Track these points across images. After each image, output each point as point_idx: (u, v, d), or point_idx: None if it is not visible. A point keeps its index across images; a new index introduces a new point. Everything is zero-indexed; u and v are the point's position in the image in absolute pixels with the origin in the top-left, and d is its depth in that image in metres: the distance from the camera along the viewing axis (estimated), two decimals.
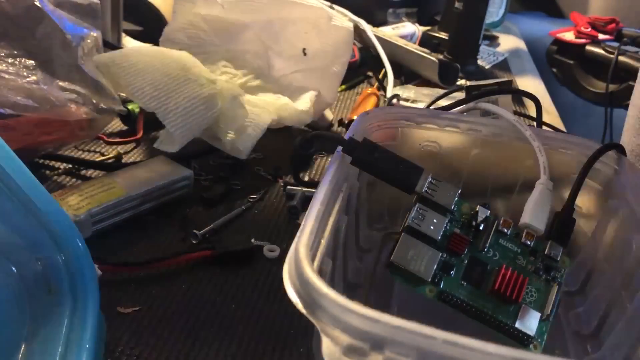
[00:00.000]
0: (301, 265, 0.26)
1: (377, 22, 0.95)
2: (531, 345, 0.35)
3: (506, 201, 0.47)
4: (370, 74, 0.78)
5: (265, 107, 0.59)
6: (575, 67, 1.04)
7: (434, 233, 0.36)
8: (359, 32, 0.85)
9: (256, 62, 0.65)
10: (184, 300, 0.41)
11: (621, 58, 0.94)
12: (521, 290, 0.35)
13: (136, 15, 0.81)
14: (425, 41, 0.95)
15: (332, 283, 0.35)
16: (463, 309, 0.36)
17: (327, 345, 0.24)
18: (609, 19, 1.02)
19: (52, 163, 0.55)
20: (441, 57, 0.81)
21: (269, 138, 0.56)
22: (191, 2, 0.64)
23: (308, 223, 0.30)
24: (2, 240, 0.30)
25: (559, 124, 0.77)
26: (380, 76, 0.80)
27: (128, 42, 0.74)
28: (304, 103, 0.60)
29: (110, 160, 0.57)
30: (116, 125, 0.62)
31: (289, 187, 0.53)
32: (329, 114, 0.68)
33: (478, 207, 0.38)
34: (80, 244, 0.31)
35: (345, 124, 0.69)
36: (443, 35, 0.95)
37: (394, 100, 0.69)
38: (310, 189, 0.52)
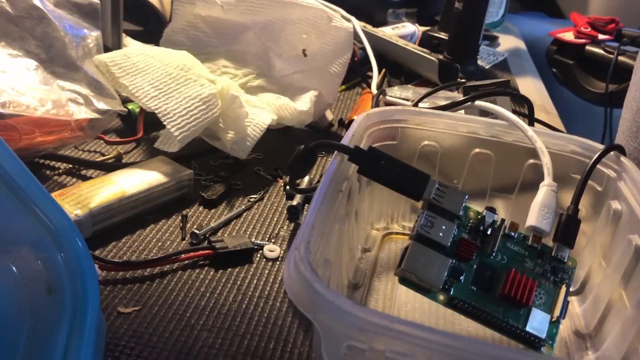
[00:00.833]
0: (301, 265, 0.26)
1: (377, 23, 0.96)
2: (542, 348, 0.35)
3: (506, 201, 0.47)
4: (370, 74, 0.78)
5: (265, 107, 0.59)
6: (575, 67, 1.04)
7: (443, 239, 0.36)
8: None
9: (256, 62, 0.65)
10: (184, 300, 0.41)
11: (621, 58, 0.94)
12: (531, 293, 0.35)
13: (136, 15, 0.81)
14: (425, 41, 0.95)
15: (332, 283, 0.35)
16: (474, 315, 0.36)
17: (327, 345, 0.25)
18: (609, 19, 1.02)
19: (52, 163, 0.55)
20: (441, 57, 0.81)
21: (269, 138, 0.56)
22: (191, 3, 0.64)
23: (308, 223, 0.30)
24: (2, 240, 0.30)
25: (559, 124, 0.77)
26: (380, 76, 0.80)
27: (128, 42, 0.74)
28: (304, 103, 0.60)
29: (110, 160, 0.57)
30: (116, 125, 0.62)
31: (288, 187, 0.53)
32: (329, 114, 0.68)
33: (485, 212, 0.38)
34: (80, 244, 0.31)
35: (345, 124, 0.69)
36: (443, 35, 0.95)
37: (380, 97, 0.69)
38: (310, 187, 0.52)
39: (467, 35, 0.84)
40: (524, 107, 0.77)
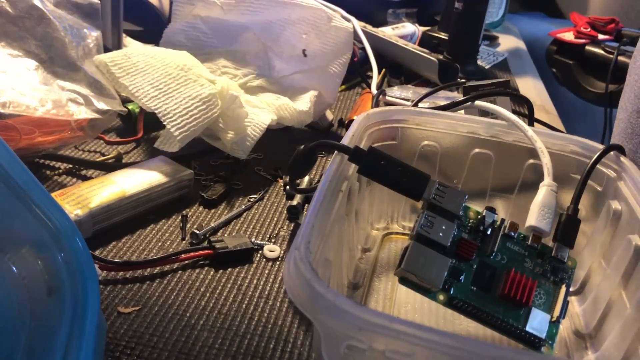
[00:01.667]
0: (301, 265, 0.26)
1: (377, 23, 0.96)
2: (542, 348, 0.35)
3: (506, 201, 0.47)
4: (370, 74, 0.78)
5: (265, 107, 0.59)
6: (575, 67, 1.04)
7: (443, 239, 0.36)
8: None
9: (256, 62, 0.65)
10: (184, 300, 0.41)
11: (621, 58, 0.94)
12: (531, 293, 0.35)
13: (136, 15, 0.81)
14: (425, 41, 0.95)
15: (332, 283, 0.35)
16: (474, 315, 0.36)
17: (327, 345, 0.25)
18: (609, 19, 1.02)
19: (52, 163, 0.55)
20: (441, 57, 0.81)
21: (269, 138, 0.56)
22: (191, 4, 0.64)
23: (308, 223, 0.30)
24: (2, 240, 0.30)
25: (559, 124, 0.77)
26: (380, 76, 0.80)
27: (128, 42, 0.74)
28: (304, 103, 0.60)
29: (110, 160, 0.57)
30: (116, 125, 0.62)
31: (288, 187, 0.53)
32: (329, 114, 0.68)
33: (485, 212, 0.38)
34: (80, 244, 0.31)
35: (345, 124, 0.69)
36: (443, 35, 0.95)
37: (380, 97, 0.69)
38: (310, 187, 0.52)
39: (467, 35, 0.84)
40: (524, 107, 0.77)
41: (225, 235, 0.48)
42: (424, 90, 0.67)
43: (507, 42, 1.10)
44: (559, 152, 0.43)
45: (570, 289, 0.39)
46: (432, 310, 0.41)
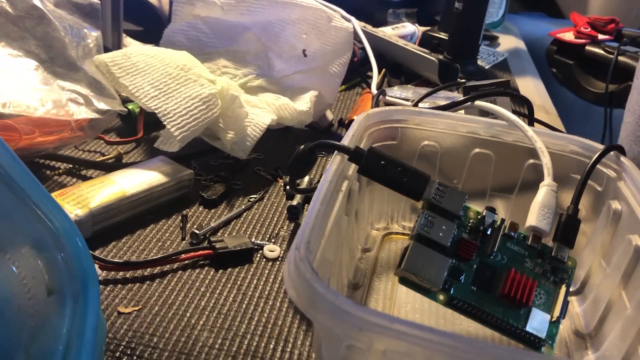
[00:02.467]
0: (301, 265, 0.26)
1: (377, 23, 0.96)
2: (542, 348, 0.35)
3: (506, 201, 0.47)
4: (370, 74, 0.78)
5: (265, 107, 0.59)
6: (575, 67, 1.04)
7: (443, 240, 0.36)
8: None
9: (256, 62, 0.65)
10: (184, 300, 0.41)
11: (621, 58, 0.94)
12: (531, 293, 0.35)
13: (136, 15, 0.81)
14: (425, 41, 0.95)
15: (332, 283, 0.35)
16: (474, 315, 0.36)
17: (327, 345, 0.25)
18: (609, 19, 1.02)
19: (52, 163, 0.55)
20: (441, 57, 0.81)
21: (269, 138, 0.56)
22: (191, 4, 0.64)
23: (308, 223, 0.30)
24: (2, 240, 0.30)
25: (559, 124, 0.77)
26: (380, 76, 0.80)
27: (128, 42, 0.74)
28: (304, 103, 0.60)
29: (110, 160, 0.57)
30: (116, 125, 0.62)
31: (288, 187, 0.53)
32: (329, 114, 0.68)
33: (485, 212, 0.38)
34: (80, 244, 0.31)
35: (345, 124, 0.69)
36: (443, 36, 0.95)
37: (380, 97, 0.69)
38: (310, 187, 0.52)
39: (467, 35, 0.84)
40: (524, 107, 0.77)
41: (225, 235, 0.48)
42: (424, 90, 0.67)
43: (507, 42, 1.10)
44: (559, 152, 0.43)
45: (570, 289, 0.39)
46: (432, 310, 0.41)
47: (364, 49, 0.80)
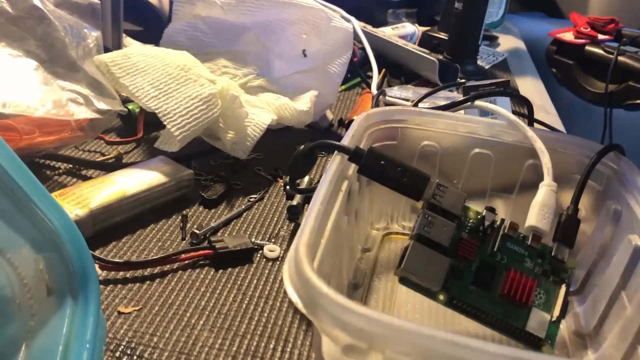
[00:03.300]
0: (301, 265, 0.26)
1: (377, 23, 0.96)
2: (542, 348, 0.35)
3: (506, 201, 0.47)
4: (370, 74, 0.78)
5: (265, 107, 0.59)
6: (575, 67, 1.04)
7: (443, 240, 0.36)
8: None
9: (256, 62, 0.65)
10: (184, 301, 0.41)
11: (620, 58, 0.94)
12: (530, 293, 0.35)
13: (136, 15, 0.81)
14: (425, 41, 0.95)
15: (332, 283, 0.35)
16: (474, 315, 0.36)
17: (327, 345, 0.25)
18: (609, 19, 1.02)
19: (52, 163, 0.55)
20: (441, 57, 0.81)
21: (269, 138, 0.56)
22: (191, 3, 0.64)
23: (308, 223, 0.30)
24: (2, 240, 0.30)
25: (559, 124, 0.77)
26: (380, 76, 0.80)
27: (128, 42, 0.74)
28: (304, 103, 0.60)
29: (110, 160, 0.57)
30: (116, 125, 0.62)
31: (288, 187, 0.53)
32: (329, 114, 0.68)
33: (485, 212, 0.38)
34: (80, 244, 0.31)
35: (345, 124, 0.69)
36: (443, 36, 0.95)
37: (380, 97, 0.69)
38: (310, 187, 0.52)
39: (467, 35, 0.84)
40: (524, 107, 0.77)
41: (225, 235, 0.48)
42: (424, 90, 0.67)
43: (507, 42, 1.10)
44: (559, 152, 0.43)
45: (570, 289, 0.39)
46: (432, 310, 0.41)
47: (364, 49, 0.80)
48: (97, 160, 0.57)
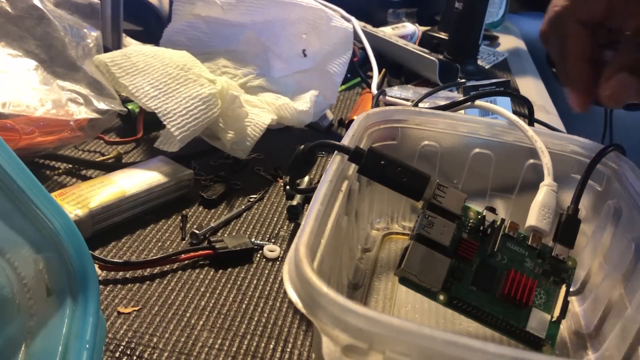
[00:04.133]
0: (301, 265, 0.26)
1: (377, 23, 0.96)
2: (543, 348, 0.35)
3: (506, 201, 0.47)
4: (370, 74, 0.78)
5: (265, 107, 0.59)
6: None
7: (443, 239, 0.36)
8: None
9: (256, 62, 0.65)
10: (184, 301, 0.41)
11: None
12: (531, 293, 0.35)
13: (136, 15, 0.81)
14: (425, 41, 0.95)
15: (332, 283, 0.35)
16: (474, 315, 0.36)
17: (327, 345, 0.24)
18: None
19: (52, 163, 0.55)
20: (441, 57, 0.81)
21: (269, 138, 0.56)
22: (191, 3, 0.64)
23: (308, 223, 0.30)
24: (2, 240, 0.30)
25: (559, 124, 0.77)
26: (380, 76, 0.80)
27: (128, 42, 0.74)
28: (304, 103, 0.60)
29: (110, 160, 0.57)
30: (116, 125, 0.62)
31: (288, 187, 0.53)
32: (329, 114, 0.68)
33: (485, 212, 0.38)
34: (80, 244, 0.31)
35: (345, 124, 0.69)
36: (443, 35, 0.95)
37: (380, 97, 0.69)
38: (310, 187, 0.52)
39: (467, 35, 0.84)
40: (524, 107, 0.77)
41: (225, 235, 0.48)
42: (424, 90, 0.67)
43: (507, 42, 1.10)
44: (559, 152, 0.43)
45: (571, 289, 0.39)
46: (432, 310, 0.41)
47: (364, 49, 0.80)
48: (97, 160, 0.57)
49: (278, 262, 0.45)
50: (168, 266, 0.44)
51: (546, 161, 0.40)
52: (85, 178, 0.54)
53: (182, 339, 0.38)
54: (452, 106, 0.50)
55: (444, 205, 0.36)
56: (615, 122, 0.99)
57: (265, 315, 0.40)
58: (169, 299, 0.41)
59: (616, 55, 0.35)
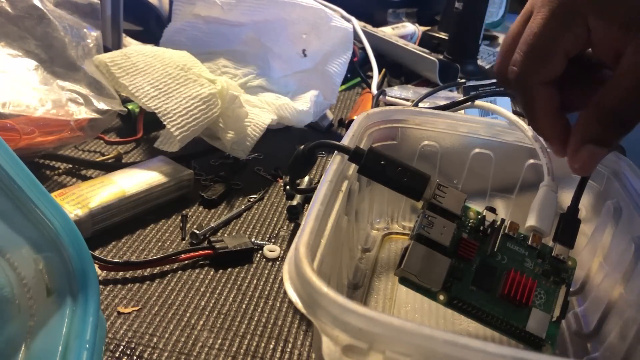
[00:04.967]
0: (301, 265, 0.26)
1: (377, 23, 0.96)
2: (542, 348, 0.35)
3: (506, 201, 0.47)
4: (370, 74, 0.78)
5: (265, 107, 0.59)
6: None
7: (443, 239, 0.36)
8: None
9: (256, 62, 0.65)
10: (184, 301, 0.41)
11: None
12: (531, 293, 0.35)
13: (136, 15, 0.81)
14: (425, 41, 0.95)
15: (332, 283, 0.35)
16: (474, 315, 0.36)
17: (327, 345, 0.24)
18: None
19: (52, 163, 0.55)
20: (441, 57, 0.81)
21: (269, 138, 0.56)
22: (191, 3, 0.64)
23: (308, 223, 0.30)
24: (2, 240, 0.30)
25: None
26: (380, 76, 0.80)
27: (128, 42, 0.74)
28: (304, 103, 0.60)
29: (110, 160, 0.57)
30: (116, 125, 0.62)
31: (288, 187, 0.53)
32: (329, 114, 0.68)
33: (485, 212, 0.38)
34: (80, 244, 0.31)
35: (345, 124, 0.69)
36: (443, 35, 0.95)
37: (380, 97, 0.69)
38: (310, 187, 0.52)
39: (467, 35, 0.84)
40: None
41: (225, 235, 0.48)
42: (424, 90, 0.67)
43: None
44: None
45: (570, 289, 0.39)
46: (432, 310, 0.41)
47: (364, 49, 0.80)
48: (97, 160, 0.57)
49: (278, 262, 0.45)
50: (168, 266, 0.44)
51: (546, 161, 0.40)
52: (85, 178, 0.54)
53: (182, 339, 0.38)
54: (452, 106, 0.50)
55: (444, 205, 0.36)
56: None
57: (265, 315, 0.40)
58: (169, 299, 0.41)
59: (580, 125, 0.34)
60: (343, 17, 0.78)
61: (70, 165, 0.55)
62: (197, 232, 0.46)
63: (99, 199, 0.45)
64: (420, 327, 0.24)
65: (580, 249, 0.42)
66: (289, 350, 0.38)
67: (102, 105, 0.53)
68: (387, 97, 0.69)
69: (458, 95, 0.68)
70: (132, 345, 0.37)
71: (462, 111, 0.52)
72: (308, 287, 0.26)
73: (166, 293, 0.41)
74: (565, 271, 0.37)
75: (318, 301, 0.25)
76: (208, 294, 0.42)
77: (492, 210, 0.38)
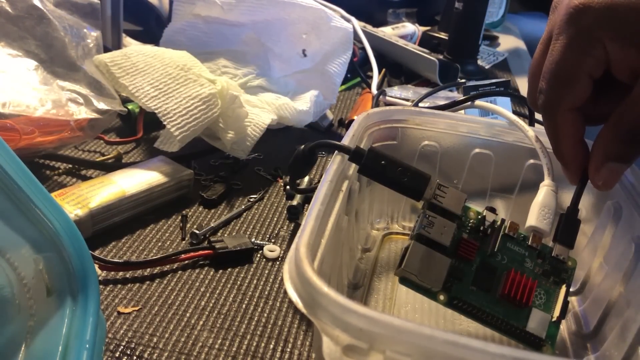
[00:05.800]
0: (301, 265, 0.26)
1: (377, 23, 0.96)
2: (543, 348, 0.35)
3: (506, 201, 0.47)
4: (370, 74, 0.78)
5: (265, 107, 0.59)
6: None
7: (443, 239, 0.36)
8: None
9: (256, 62, 0.65)
10: (184, 301, 0.41)
11: None
12: (531, 293, 0.35)
13: (136, 15, 0.81)
14: (425, 41, 0.95)
15: (332, 283, 0.35)
16: (474, 316, 0.36)
17: (327, 345, 0.24)
18: None
19: (52, 163, 0.55)
20: (441, 57, 0.81)
21: (269, 138, 0.56)
22: (191, 3, 0.64)
23: (308, 223, 0.30)
24: (2, 240, 0.30)
25: None
26: (380, 76, 0.80)
27: (128, 42, 0.74)
28: (304, 103, 0.60)
29: (110, 160, 0.57)
30: (116, 125, 0.62)
31: (288, 187, 0.53)
32: (329, 114, 0.68)
33: (485, 212, 0.38)
34: (80, 244, 0.31)
35: (345, 124, 0.69)
36: (443, 35, 0.95)
37: (380, 97, 0.69)
38: (310, 187, 0.52)
39: (467, 35, 0.84)
40: (524, 108, 0.77)
41: (225, 235, 0.48)
42: (424, 90, 0.67)
43: (507, 42, 1.10)
44: None
45: (571, 289, 0.39)
46: (432, 310, 0.41)
47: (364, 49, 0.80)
48: (97, 160, 0.57)
49: (278, 262, 0.45)
50: (168, 266, 0.44)
51: (546, 161, 0.40)
52: (85, 178, 0.54)
53: (182, 339, 0.38)
54: (452, 106, 0.50)
55: (444, 205, 0.36)
56: None
57: (265, 315, 0.40)
58: (169, 299, 0.41)
59: (600, 143, 0.34)
60: (343, 17, 0.78)
61: (70, 165, 0.55)
62: (197, 232, 0.46)
63: (99, 199, 0.45)
64: (421, 327, 0.24)
65: (580, 249, 0.42)
66: (289, 350, 0.38)
67: (102, 105, 0.53)
68: (387, 97, 0.69)
69: (458, 95, 0.68)
70: (132, 345, 0.37)
71: (462, 111, 0.52)
72: (308, 287, 0.26)
73: (166, 293, 0.41)
74: (565, 271, 0.37)
75: (318, 301, 0.25)
76: (208, 294, 0.42)
77: (492, 210, 0.38)
